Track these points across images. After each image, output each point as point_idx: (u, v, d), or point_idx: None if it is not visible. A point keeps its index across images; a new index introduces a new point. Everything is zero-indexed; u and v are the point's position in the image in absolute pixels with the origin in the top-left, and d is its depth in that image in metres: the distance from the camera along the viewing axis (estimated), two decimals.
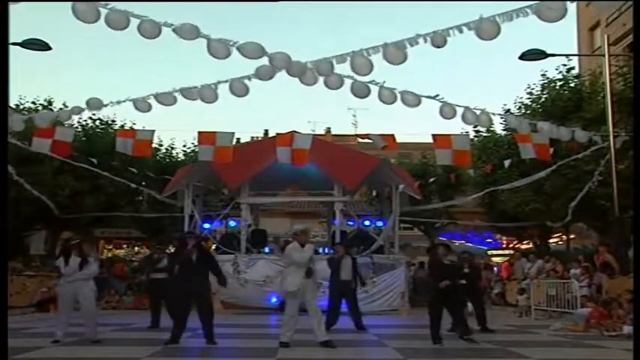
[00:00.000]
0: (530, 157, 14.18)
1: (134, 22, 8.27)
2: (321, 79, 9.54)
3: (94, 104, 11.60)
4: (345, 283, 11.31)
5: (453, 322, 9.73)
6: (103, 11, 8.01)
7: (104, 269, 20.36)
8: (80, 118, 21.35)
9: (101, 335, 9.34)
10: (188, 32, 8.41)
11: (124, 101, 11.29)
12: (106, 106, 11.57)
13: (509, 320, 14.17)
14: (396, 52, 8.15)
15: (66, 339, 8.92)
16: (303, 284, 8.57)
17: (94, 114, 21.52)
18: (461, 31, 7.70)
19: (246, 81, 10.04)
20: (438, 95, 10.56)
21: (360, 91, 9.66)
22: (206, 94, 10.53)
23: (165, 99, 10.67)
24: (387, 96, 9.86)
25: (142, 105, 10.95)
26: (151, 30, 8.36)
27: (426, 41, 7.93)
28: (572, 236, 23.63)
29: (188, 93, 10.59)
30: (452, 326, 9.84)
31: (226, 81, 10.23)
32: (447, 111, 10.67)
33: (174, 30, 8.37)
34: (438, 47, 7.87)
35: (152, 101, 10.91)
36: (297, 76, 9.33)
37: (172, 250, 13.26)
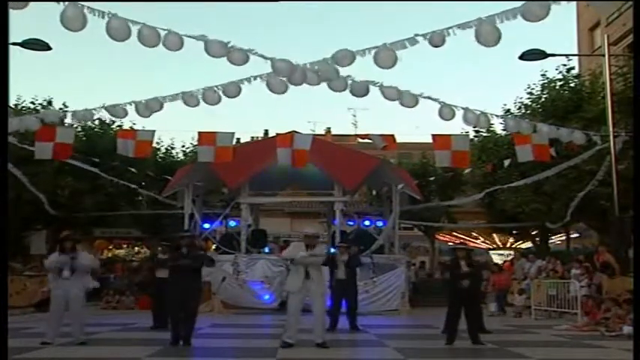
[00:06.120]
0: (527, 160, 14.13)
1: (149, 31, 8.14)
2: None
3: (116, 112, 11.54)
4: (341, 282, 11.39)
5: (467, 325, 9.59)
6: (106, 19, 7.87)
7: (104, 269, 20.50)
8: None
9: (98, 335, 9.32)
10: (217, 49, 8.32)
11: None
12: (124, 104, 11.29)
13: (509, 320, 14.18)
14: (388, 55, 8.10)
15: (60, 340, 8.87)
16: (305, 284, 8.59)
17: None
18: (463, 29, 7.65)
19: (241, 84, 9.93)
20: (438, 99, 10.57)
21: (359, 91, 9.62)
22: (208, 95, 10.46)
23: (190, 100, 10.51)
24: (391, 93, 9.81)
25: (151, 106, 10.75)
26: (174, 41, 8.28)
27: (424, 39, 7.89)
28: (574, 235, 23.55)
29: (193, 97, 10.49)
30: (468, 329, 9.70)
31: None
32: (447, 112, 10.64)
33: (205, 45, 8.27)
34: (437, 47, 7.85)
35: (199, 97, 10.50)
36: (299, 83, 9.20)
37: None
